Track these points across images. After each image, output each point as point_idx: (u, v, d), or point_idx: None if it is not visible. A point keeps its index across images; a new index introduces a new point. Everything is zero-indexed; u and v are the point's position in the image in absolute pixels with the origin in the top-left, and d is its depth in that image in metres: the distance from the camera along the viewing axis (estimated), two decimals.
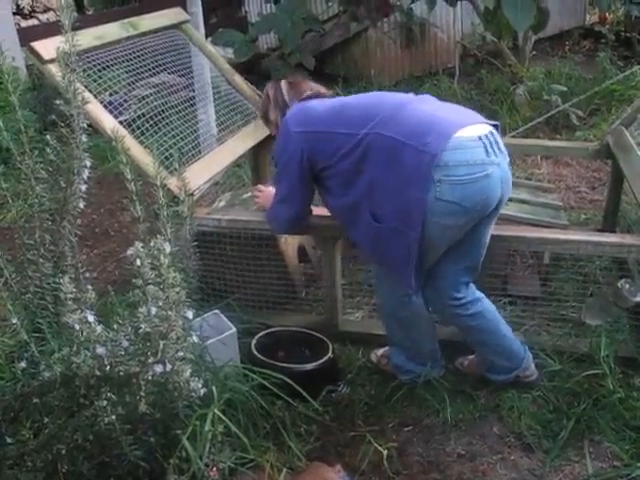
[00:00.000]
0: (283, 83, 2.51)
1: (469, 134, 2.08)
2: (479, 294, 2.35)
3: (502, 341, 2.38)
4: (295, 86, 2.50)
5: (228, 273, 2.88)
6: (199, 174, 2.68)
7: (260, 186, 2.79)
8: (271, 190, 2.61)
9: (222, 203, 3.08)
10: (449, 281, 2.30)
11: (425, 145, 2.03)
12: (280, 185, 2.43)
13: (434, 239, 2.14)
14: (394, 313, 2.41)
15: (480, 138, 2.08)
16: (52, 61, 2.42)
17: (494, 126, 2.21)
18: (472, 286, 2.34)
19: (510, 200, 3.12)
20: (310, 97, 2.43)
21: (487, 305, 2.36)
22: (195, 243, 2.25)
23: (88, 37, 2.70)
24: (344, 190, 2.26)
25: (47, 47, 2.47)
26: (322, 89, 2.52)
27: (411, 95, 2.33)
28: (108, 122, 2.53)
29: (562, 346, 2.57)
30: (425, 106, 2.22)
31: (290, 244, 2.92)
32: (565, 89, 5.11)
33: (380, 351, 2.63)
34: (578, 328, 2.70)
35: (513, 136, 4.43)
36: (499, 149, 2.13)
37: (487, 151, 2.08)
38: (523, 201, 3.16)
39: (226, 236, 2.82)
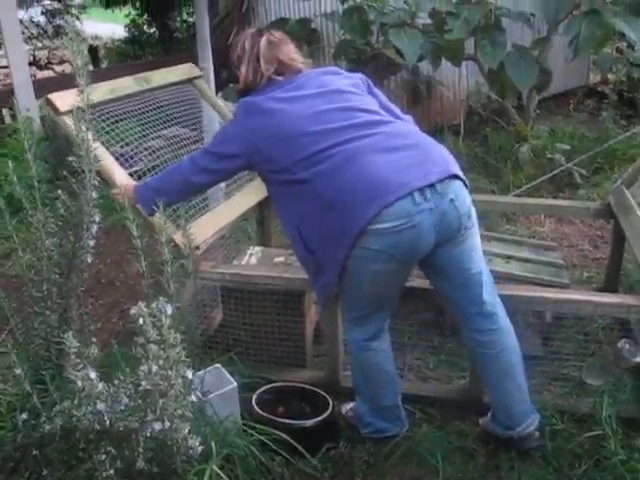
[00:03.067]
0: (263, 42, 2.34)
1: (403, 194, 2.03)
2: (504, 341, 2.31)
3: (503, 397, 2.37)
4: (275, 48, 2.35)
5: (232, 327, 2.91)
6: (205, 228, 2.72)
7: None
8: (130, 182, 2.59)
9: (253, 259, 3.13)
10: (461, 316, 2.34)
11: (354, 218, 2.05)
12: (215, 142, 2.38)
13: (371, 284, 2.19)
14: (357, 358, 2.44)
15: (412, 193, 2.04)
16: (67, 113, 2.49)
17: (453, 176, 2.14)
18: (496, 323, 2.30)
19: (512, 258, 3.18)
20: (283, 72, 2.33)
21: (502, 356, 2.32)
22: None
23: (102, 91, 2.78)
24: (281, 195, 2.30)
25: (63, 99, 2.54)
26: (297, 62, 2.37)
27: (369, 128, 2.18)
28: (119, 175, 2.59)
29: (563, 405, 2.56)
30: (376, 156, 2.10)
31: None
32: (569, 148, 5.18)
33: (350, 405, 2.63)
34: (579, 387, 2.70)
35: (517, 194, 4.48)
36: (434, 191, 2.07)
37: (415, 201, 2.04)
38: (525, 259, 3.18)
39: (230, 290, 2.86)
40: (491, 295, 2.29)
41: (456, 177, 2.16)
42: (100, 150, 2.56)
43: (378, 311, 2.34)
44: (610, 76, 7.39)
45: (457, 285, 2.26)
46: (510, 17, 4.68)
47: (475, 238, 2.23)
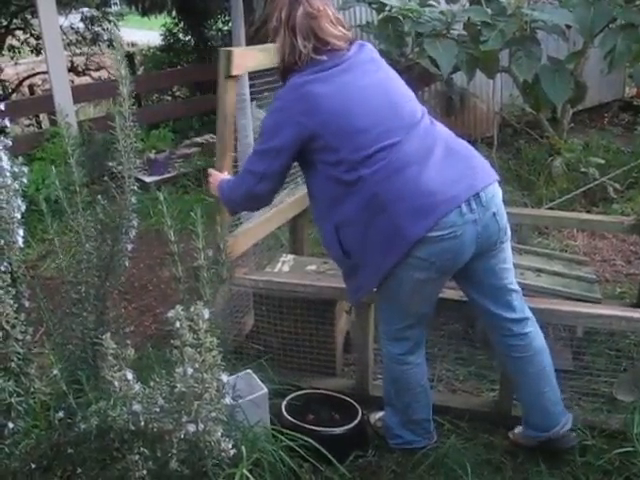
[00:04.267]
0: (300, 13, 2.13)
1: (454, 206, 2.05)
2: (536, 344, 2.33)
3: (538, 399, 2.37)
4: (312, 22, 2.13)
5: (263, 333, 2.94)
6: (243, 240, 2.76)
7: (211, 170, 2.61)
8: (220, 175, 2.53)
9: (285, 267, 3.17)
10: (493, 323, 2.34)
11: (407, 228, 2.05)
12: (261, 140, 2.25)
13: (409, 293, 2.20)
14: (391, 372, 2.44)
15: (460, 206, 2.06)
16: (235, 77, 2.47)
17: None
18: (528, 327, 2.32)
19: (543, 272, 3.16)
20: (323, 51, 2.14)
21: (535, 358, 2.33)
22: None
23: (271, 55, 2.64)
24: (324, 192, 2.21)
25: (239, 60, 2.45)
26: (338, 39, 2.17)
27: (418, 140, 2.13)
28: (226, 162, 2.59)
29: (593, 421, 2.55)
30: (430, 164, 2.08)
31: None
32: (603, 161, 5.13)
33: (379, 414, 2.64)
34: (610, 403, 2.68)
35: (549, 208, 4.45)
36: (480, 204, 2.09)
37: (462, 212, 2.06)
38: (557, 273, 3.17)
39: (262, 297, 2.89)
40: (520, 302, 2.33)
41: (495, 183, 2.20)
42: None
43: (416, 324, 2.34)
44: None
45: (490, 294, 2.28)
46: (545, 29, 4.64)
47: (508, 250, 2.28)
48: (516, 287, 2.32)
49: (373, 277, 2.19)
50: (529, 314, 2.34)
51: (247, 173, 2.29)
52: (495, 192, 2.17)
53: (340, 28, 2.20)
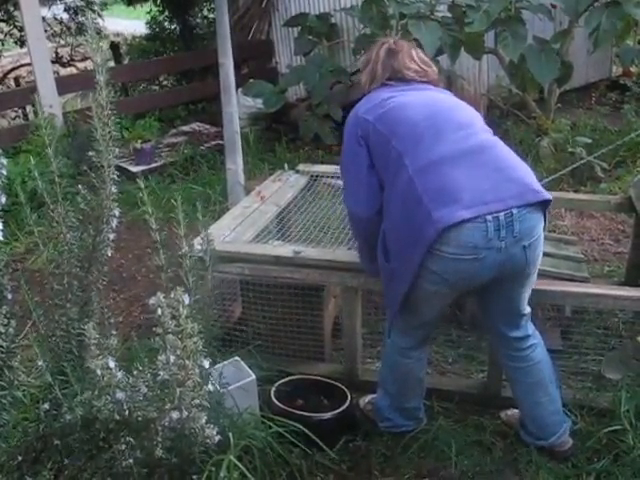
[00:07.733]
0: (384, 49, 2.43)
1: (478, 214, 2.00)
2: (535, 356, 2.33)
3: (535, 408, 2.37)
4: (392, 56, 2.41)
5: (251, 320, 2.93)
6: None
7: None
8: None
9: None
10: (496, 334, 2.37)
11: (436, 220, 2.00)
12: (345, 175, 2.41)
13: (420, 302, 2.21)
14: (391, 361, 2.45)
15: (487, 221, 2.00)
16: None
17: (543, 202, 2.10)
18: (529, 341, 2.32)
19: None
20: (395, 79, 2.39)
21: (534, 369, 2.33)
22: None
23: None
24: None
25: None
26: (408, 71, 2.39)
27: (461, 142, 2.16)
28: None
29: (582, 400, 2.56)
30: (461, 169, 2.08)
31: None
32: (590, 141, 5.12)
33: (368, 398, 2.66)
34: (599, 382, 2.69)
35: None
36: (511, 233, 2.03)
37: (487, 235, 2.01)
38: (545, 254, 3.14)
39: (249, 284, 2.88)
40: (527, 322, 2.33)
41: (537, 204, 2.10)
42: None
43: (423, 325, 2.35)
44: (633, 69, 7.28)
45: (501, 316, 2.30)
46: (531, 9, 4.63)
47: (532, 278, 2.23)
48: (528, 310, 2.30)
49: (406, 275, 2.14)
50: (532, 331, 2.34)
51: (350, 211, 2.40)
52: (535, 223, 2.09)
53: (420, 64, 2.42)
